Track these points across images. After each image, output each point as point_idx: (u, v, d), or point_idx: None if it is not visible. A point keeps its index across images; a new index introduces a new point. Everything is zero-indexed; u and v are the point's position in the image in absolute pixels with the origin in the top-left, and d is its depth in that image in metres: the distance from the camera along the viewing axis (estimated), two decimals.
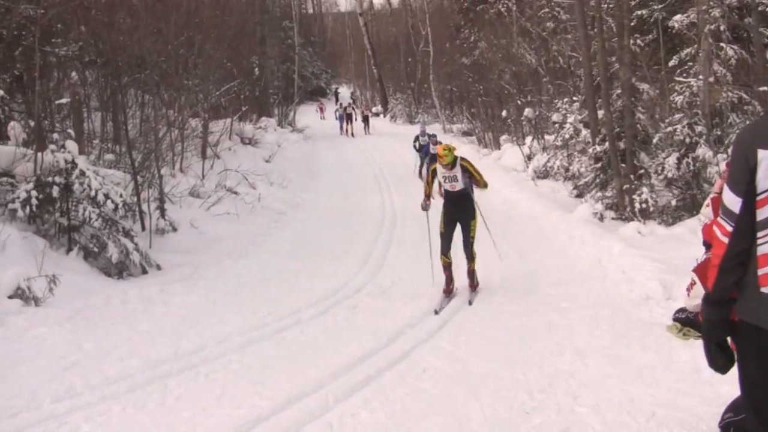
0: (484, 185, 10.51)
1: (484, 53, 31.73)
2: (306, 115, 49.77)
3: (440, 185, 10.73)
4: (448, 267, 10.57)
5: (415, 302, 9.99)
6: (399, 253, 13.45)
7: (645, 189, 14.67)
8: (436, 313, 9.53)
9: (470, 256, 10.52)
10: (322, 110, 56.98)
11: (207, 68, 21.38)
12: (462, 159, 10.44)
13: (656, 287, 9.92)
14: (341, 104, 46.32)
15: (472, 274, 10.62)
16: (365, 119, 45.07)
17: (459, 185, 10.38)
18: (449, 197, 10.61)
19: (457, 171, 10.31)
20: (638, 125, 15.87)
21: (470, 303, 10.02)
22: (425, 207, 10.80)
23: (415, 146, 23.81)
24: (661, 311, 9.07)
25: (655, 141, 15.41)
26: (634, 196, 14.69)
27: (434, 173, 10.69)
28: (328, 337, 8.65)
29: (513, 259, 12.63)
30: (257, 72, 34.86)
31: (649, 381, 6.78)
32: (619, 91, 16.05)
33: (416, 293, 10.50)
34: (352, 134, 42.73)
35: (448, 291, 10.50)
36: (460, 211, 10.51)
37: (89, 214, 11.41)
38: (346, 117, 43.75)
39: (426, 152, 21.28)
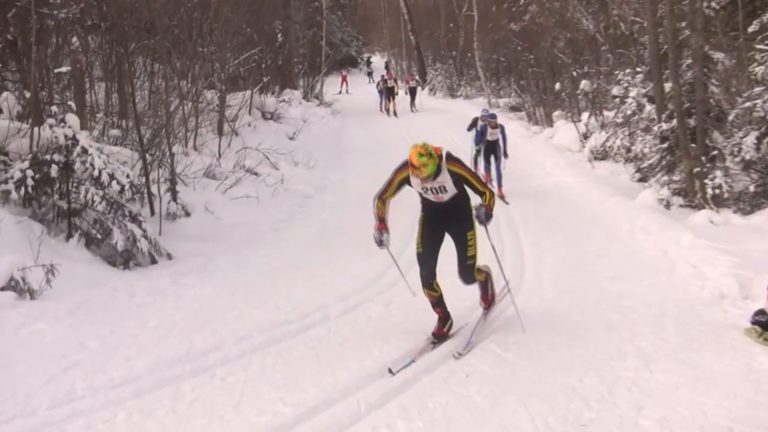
0: (490, 198, 8.24)
1: (535, 18, 31.46)
2: (334, 87, 49.68)
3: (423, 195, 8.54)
4: (438, 301, 8.69)
5: (458, 298, 9.86)
6: None
7: (718, 172, 14.48)
8: (391, 372, 7.40)
9: (471, 280, 8.77)
10: (345, 80, 53.51)
11: (224, 34, 21.37)
12: (450, 161, 8.10)
13: (732, 284, 9.80)
14: (382, 76, 41.01)
15: (485, 285, 9.06)
16: (411, 92, 40.72)
17: (448, 195, 8.26)
18: (432, 207, 8.53)
19: (445, 179, 8.12)
20: (711, 100, 15.62)
21: (457, 355, 7.93)
22: (381, 241, 8.51)
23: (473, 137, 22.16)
24: (737, 312, 8.95)
25: (730, 118, 15.19)
26: (706, 181, 14.50)
27: (400, 186, 8.44)
28: (360, 336, 8.62)
29: (566, 250, 12.57)
30: (280, 38, 34.83)
31: (725, 392, 6.68)
32: (689, 60, 15.81)
33: (458, 288, 10.41)
34: (395, 113, 37.96)
35: (442, 333, 8.57)
36: (449, 220, 8.50)
37: (92, 196, 11.42)
38: (386, 91, 38.87)
39: (479, 138, 18.79)
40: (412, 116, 37.70)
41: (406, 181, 8.33)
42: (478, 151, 19.23)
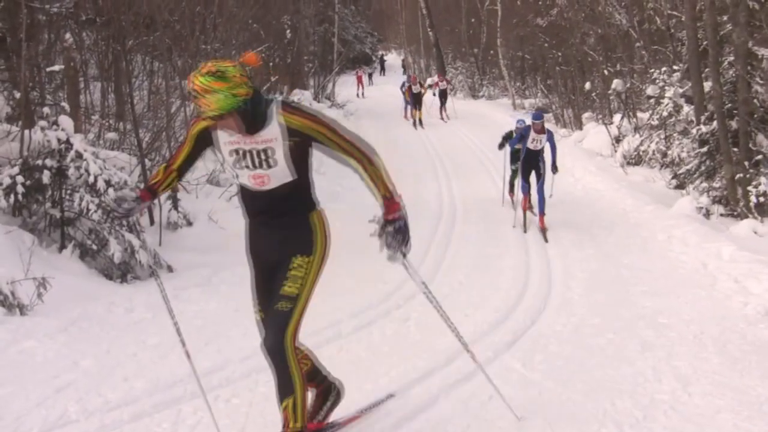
0: (370, 169, 5.63)
1: (564, 12, 31.50)
2: (347, 86, 49.58)
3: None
4: (311, 374, 5.94)
5: (480, 313, 9.91)
6: (460, 253, 13.38)
7: (763, 179, 14.45)
8: None
9: (278, 342, 5.36)
10: (361, 82, 51.44)
11: (229, 30, 21.45)
12: (288, 109, 5.29)
13: None
14: (408, 77, 37.43)
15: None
16: (443, 96, 37.54)
17: (276, 175, 5.42)
18: (254, 206, 5.68)
19: (274, 138, 5.27)
20: (755, 100, 15.61)
21: None
22: (121, 203, 5.62)
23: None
24: None
25: None
26: (749, 188, 14.47)
27: (198, 146, 5.61)
28: (374, 354, 8.61)
29: (597, 262, 12.55)
30: (289, 35, 34.93)
31: None
32: (731, 57, 15.80)
33: (480, 301, 10.43)
34: (421, 123, 34.20)
35: (321, 426, 6.00)
36: (278, 235, 5.64)
37: (87, 204, 11.44)
38: (412, 98, 34.69)
39: (514, 146, 16.33)
40: (438, 121, 36.37)
41: (208, 137, 5.48)
42: (514, 171, 16.78)
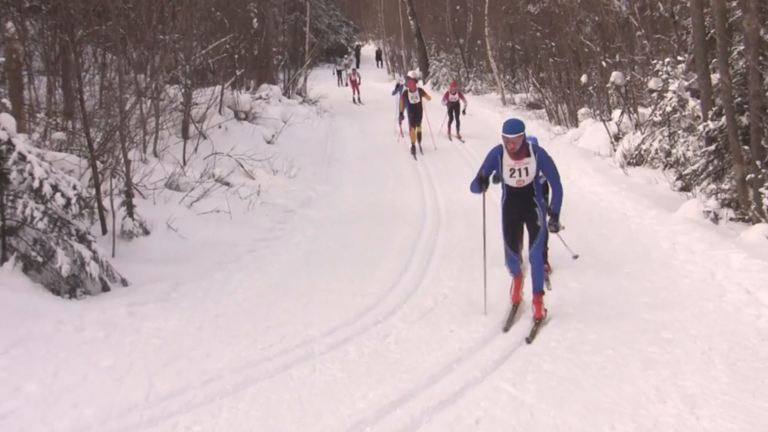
0: None
1: None
2: (321, 81, 49.25)
3: None
4: None
5: (466, 329, 9.91)
6: (444, 264, 13.36)
7: None
8: None
9: None
10: (355, 85, 45.49)
11: (189, 19, 21.38)
12: None
13: None
14: (405, 80, 32.87)
15: None
16: (452, 110, 30.22)
17: None
18: None
19: None
20: None
21: None
22: None
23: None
24: None
25: None
26: (762, 189, 14.49)
27: None
28: (351, 375, 8.60)
29: (596, 272, 12.52)
30: (256, 24, 34.89)
31: None
32: (741, 47, 15.82)
33: (467, 317, 10.41)
34: (420, 147, 27.36)
35: None
36: None
37: (31, 211, 11.37)
38: (410, 111, 27.42)
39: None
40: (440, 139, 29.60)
41: None
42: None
